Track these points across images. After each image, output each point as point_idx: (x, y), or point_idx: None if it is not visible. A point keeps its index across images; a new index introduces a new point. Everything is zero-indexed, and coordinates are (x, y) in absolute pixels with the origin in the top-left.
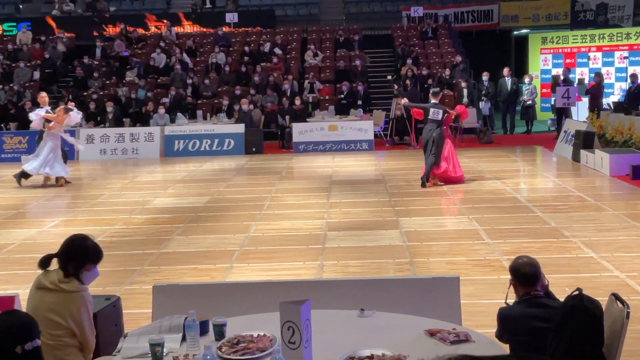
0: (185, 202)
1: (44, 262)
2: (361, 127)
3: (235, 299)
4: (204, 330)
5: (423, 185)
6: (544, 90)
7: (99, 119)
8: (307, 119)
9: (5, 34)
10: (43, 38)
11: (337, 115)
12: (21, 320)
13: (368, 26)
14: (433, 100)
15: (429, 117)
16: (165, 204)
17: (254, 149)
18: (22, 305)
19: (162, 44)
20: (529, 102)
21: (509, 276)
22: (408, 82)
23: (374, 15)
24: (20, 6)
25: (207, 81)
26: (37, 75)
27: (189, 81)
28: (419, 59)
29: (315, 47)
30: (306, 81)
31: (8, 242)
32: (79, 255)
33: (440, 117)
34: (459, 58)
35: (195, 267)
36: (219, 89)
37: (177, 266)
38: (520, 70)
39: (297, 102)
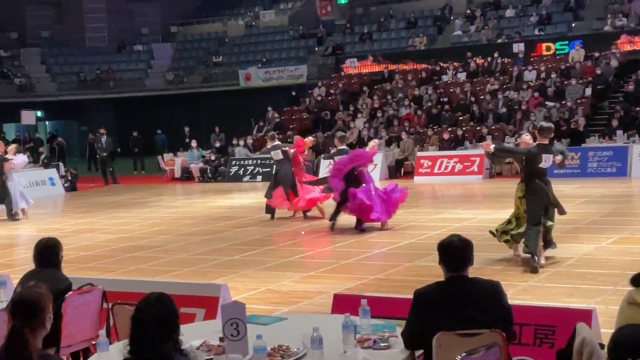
0: None
1: (637, 279)
2: None
3: None
4: None
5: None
6: None
7: None
8: None
9: (557, 52)
10: (596, 54)
11: None
12: None
13: None
14: (275, 143)
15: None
16: None
17: None
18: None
19: None
20: None
21: None
22: None
23: None
24: (573, 24)
25: None
26: (588, 92)
27: None
28: None
29: None
30: None
31: (569, 256)
32: None
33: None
34: None
35: None
36: None
37: None
38: None
39: None
